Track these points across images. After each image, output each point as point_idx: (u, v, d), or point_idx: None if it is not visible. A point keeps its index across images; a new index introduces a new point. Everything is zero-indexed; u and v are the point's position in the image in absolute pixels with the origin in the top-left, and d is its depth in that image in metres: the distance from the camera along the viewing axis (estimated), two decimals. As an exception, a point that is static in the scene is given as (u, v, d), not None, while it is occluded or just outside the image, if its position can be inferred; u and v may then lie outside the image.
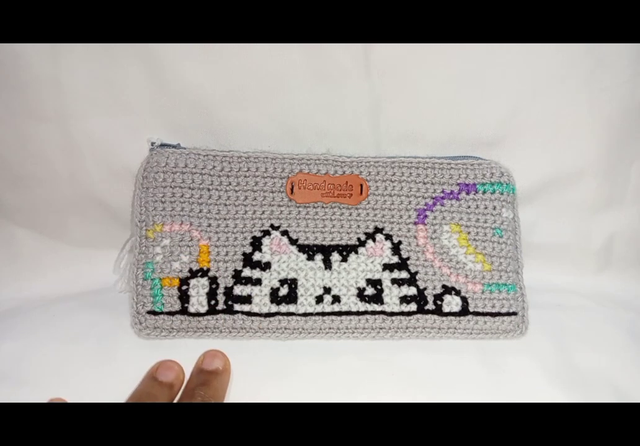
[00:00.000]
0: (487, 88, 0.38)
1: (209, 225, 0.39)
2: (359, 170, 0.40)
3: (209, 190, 0.39)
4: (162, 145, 0.39)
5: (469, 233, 0.40)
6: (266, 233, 0.40)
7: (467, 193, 0.41)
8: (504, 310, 0.40)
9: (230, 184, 0.39)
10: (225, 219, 0.39)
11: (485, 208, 0.41)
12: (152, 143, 0.39)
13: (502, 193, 0.41)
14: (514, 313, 0.40)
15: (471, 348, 0.40)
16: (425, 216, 0.40)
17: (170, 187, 0.39)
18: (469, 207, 0.41)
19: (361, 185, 0.40)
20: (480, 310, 0.39)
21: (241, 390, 0.36)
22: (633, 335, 0.42)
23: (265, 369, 0.37)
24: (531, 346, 0.40)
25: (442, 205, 0.41)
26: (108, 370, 0.37)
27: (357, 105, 0.39)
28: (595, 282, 0.46)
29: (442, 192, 0.41)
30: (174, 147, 0.39)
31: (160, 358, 0.37)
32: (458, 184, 0.41)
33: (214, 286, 0.39)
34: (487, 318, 0.40)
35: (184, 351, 0.37)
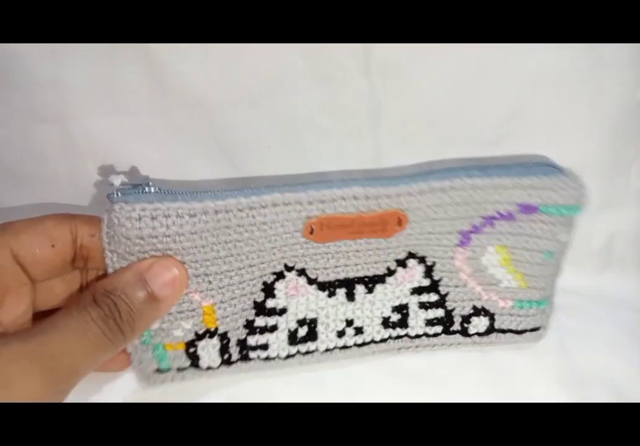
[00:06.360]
0: (488, 88, 0.38)
1: (210, 283, 0.32)
2: (398, 200, 0.32)
3: (203, 246, 0.31)
4: (124, 185, 0.30)
5: (514, 254, 0.35)
6: (279, 276, 0.33)
7: (526, 214, 0.34)
8: (529, 327, 0.38)
9: (230, 236, 0.31)
10: (228, 271, 0.32)
11: (542, 231, 0.34)
12: (111, 186, 0.30)
13: (565, 216, 0.34)
14: (538, 328, 0.38)
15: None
16: (470, 239, 0.34)
17: (153, 251, 0.30)
18: (522, 228, 0.34)
19: (399, 218, 0.33)
20: (505, 327, 0.37)
21: (240, 389, 0.36)
22: (633, 335, 0.42)
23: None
24: (531, 346, 0.40)
25: (492, 225, 0.34)
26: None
27: (357, 105, 0.39)
28: (595, 282, 0.46)
29: (497, 212, 0.34)
30: (141, 187, 0.30)
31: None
32: (517, 204, 0.34)
33: (225, 341, 0.34)
34: (511, 334, 0.38)
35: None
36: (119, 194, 0.30)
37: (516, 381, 0.39)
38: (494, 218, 0.34)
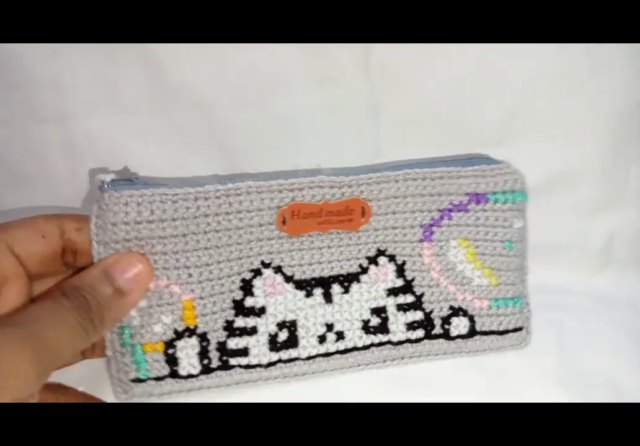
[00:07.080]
0: (487, 88, 0.38)
1: (190, 276, 0.33)
2: (359, 190, 0.35)
3: (184, 235, 0.33)
4: (114, 181, 0.33)
5: (477, 247, 0.37)
6: (257, 273, 0.35)
7: (477, 204, 0.37)
8: (510, 327, 0.39)
9: (209, 225, 0.33)
10: (208, 265, 0.34)
11: (496, 220, 0.37)
12: (102, 182, 0.33)
13: (514, 203, 0.38)
14: (520, 329, 0.39)
15: (471, 348, 0.40)
16: (432, 232, 0.37)
17: (136, 239, 0.32)
18: (478, 218, 0.37)
19: (362, 208, 0.35)
20: (487, 329, 0.38)
21: (239, 389, 0.36)
22: (633, 335, 0.42)
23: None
24: (531, 346, 0.40)
25: (450, 218, 0.37)
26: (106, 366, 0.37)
27: (357, 106, 0.39)
28: (595, 282, 0.46)
29: (450, 203, 0.37)
30: (129, 181, 0.33)
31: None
32: (467, 194, 0.37)
33: (204, 343, 0.34)
34: (494, 336, 0.38)
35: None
36: (109, 185, 0.33)
37: (516, 382, 0.39)
38: (449, 210, 0.37)
